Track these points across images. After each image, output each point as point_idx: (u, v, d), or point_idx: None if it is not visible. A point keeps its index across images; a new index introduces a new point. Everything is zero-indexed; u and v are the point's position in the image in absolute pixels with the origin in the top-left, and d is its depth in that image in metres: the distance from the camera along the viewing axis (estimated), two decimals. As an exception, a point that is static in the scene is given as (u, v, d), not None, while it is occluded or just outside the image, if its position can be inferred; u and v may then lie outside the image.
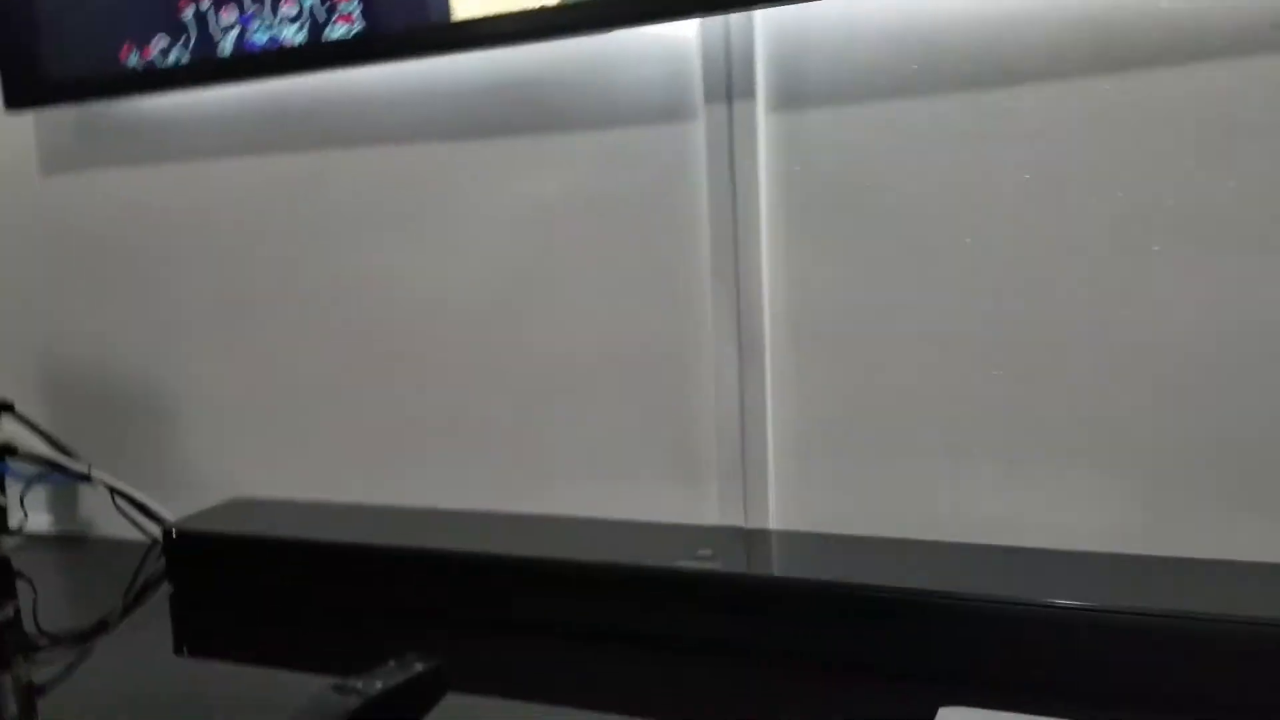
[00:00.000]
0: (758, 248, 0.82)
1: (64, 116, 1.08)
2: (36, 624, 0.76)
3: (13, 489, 0.99)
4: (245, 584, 0.83)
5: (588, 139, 0.88)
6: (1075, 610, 0.60)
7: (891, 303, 0.79)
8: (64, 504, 1.09)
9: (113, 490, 1.00)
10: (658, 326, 0.88)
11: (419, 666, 0.61)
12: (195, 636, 0.79)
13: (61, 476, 0.98)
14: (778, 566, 0.75)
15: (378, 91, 0.94)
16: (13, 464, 0.99)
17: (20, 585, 0.65)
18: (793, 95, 0.80)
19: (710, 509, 0.87)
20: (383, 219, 0.97)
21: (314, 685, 0.60)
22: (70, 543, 1.06)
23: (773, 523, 0.84)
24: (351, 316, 1.00)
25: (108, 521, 1.04)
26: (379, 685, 0.59)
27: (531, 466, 0.94)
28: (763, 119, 0.81)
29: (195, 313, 1.06)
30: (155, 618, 0.84)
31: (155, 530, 1.00)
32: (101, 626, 0.81)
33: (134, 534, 1.00)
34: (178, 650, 0.77)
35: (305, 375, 1.03)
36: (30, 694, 0.65)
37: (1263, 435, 0.70)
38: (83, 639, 0.78)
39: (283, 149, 1.00)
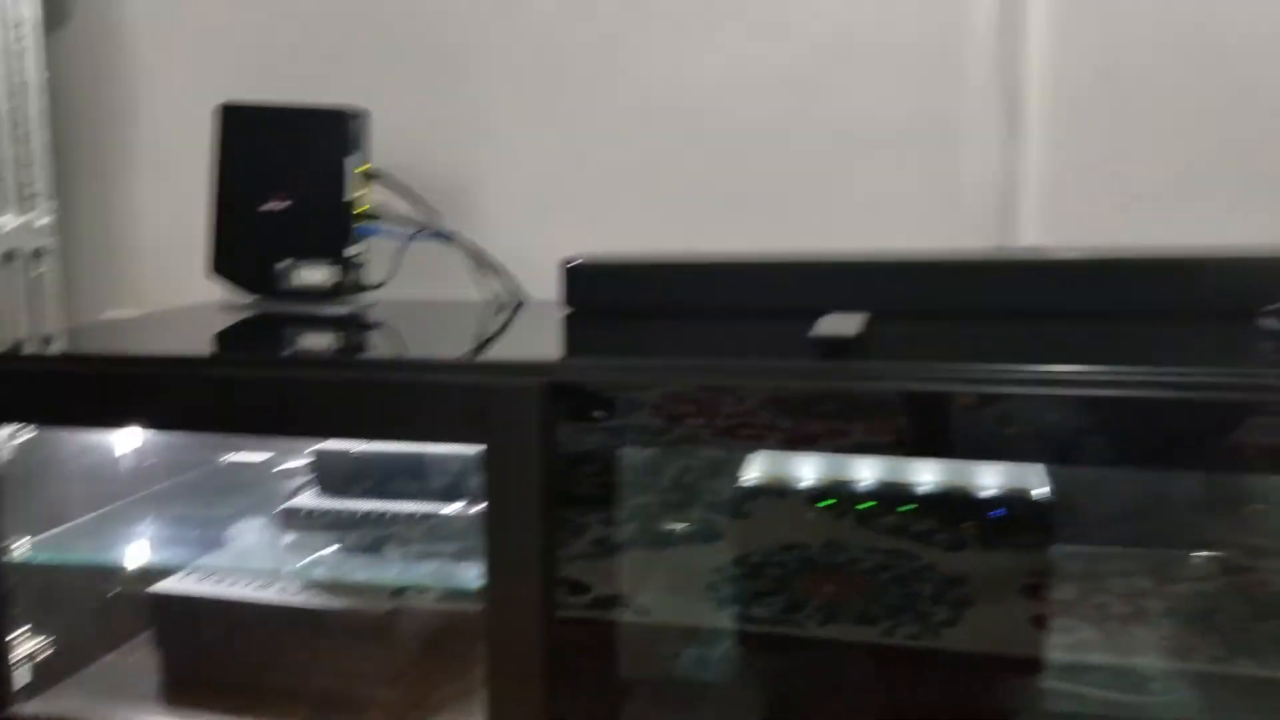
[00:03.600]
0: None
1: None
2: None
3: (387, 249, 1.07)
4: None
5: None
6: None
7: None
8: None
9: (473, 251, 1.07)
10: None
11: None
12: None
13: (429, 235, 1.05)
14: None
15: None
16: (385, 225, 1.06)
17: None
18: None
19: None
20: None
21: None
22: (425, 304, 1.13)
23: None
24: (649, 101, 1.12)
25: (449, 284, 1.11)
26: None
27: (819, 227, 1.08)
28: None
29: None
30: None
31: (498, 291, 1.06)
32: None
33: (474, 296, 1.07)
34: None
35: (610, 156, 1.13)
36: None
37: None
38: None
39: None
